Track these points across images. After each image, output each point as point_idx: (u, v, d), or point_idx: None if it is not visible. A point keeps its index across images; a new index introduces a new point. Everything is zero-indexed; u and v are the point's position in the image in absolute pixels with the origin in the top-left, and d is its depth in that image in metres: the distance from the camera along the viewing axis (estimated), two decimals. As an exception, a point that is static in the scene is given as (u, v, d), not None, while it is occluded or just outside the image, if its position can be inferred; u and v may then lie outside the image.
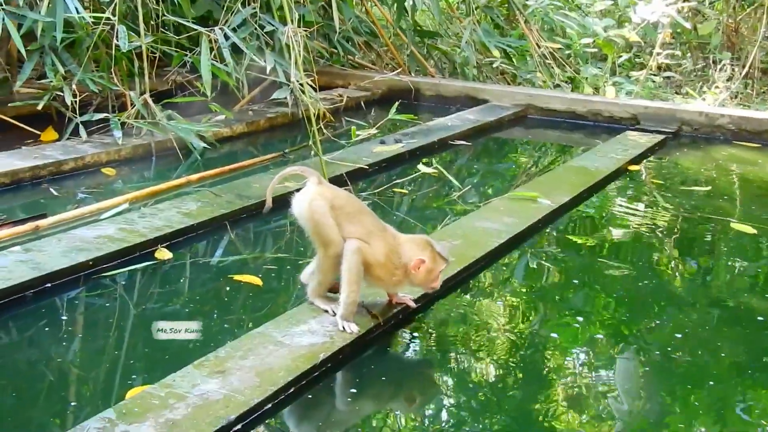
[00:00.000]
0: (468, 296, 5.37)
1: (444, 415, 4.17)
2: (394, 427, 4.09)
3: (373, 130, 8.37)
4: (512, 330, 5.00)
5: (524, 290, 5.65)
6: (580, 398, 4.34)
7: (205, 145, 8.16)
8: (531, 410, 4.24)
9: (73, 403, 4.07)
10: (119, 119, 8.07)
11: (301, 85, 8.10)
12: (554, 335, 4.94)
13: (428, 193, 7.56)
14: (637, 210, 7.42)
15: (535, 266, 5.95)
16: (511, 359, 4.71)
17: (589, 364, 4.69)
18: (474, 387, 4.39)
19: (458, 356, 4.69)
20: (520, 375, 4.56)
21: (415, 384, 4.48)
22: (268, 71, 9.01)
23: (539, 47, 12.69)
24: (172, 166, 7.92)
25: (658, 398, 4.39)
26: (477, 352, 4.72)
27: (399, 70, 11.75)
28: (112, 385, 4.19)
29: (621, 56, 13.43)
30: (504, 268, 5.92)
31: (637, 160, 8.82)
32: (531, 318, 5.27)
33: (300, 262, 5.54)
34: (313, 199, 4.52)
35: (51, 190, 7.01)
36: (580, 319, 5.18)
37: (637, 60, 13.97)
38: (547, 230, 6.65)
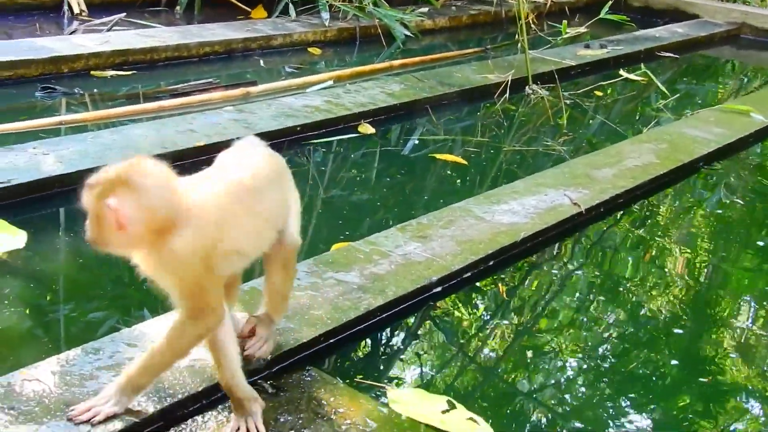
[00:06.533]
0: (677, 198, 5.24)
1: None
2: (596, 308, 4.04)
3: (582, 29, 8.14)
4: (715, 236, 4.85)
5: (727, 202, 5.41)
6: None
7: (408, 33, 8.19)
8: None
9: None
10: (327, 1, 8.20)
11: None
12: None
13: (632, 99, 7.34)
14: None
15: (740, 179, 5.68)
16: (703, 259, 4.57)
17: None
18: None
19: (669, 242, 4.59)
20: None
21: (619, 269, 4.41)
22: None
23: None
24: (374, 52, 8.01)
25: None
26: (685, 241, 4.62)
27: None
28: (318, 237, 4.32)
29: None
30: (711, 177, 5.67)
31: None
32: (732, 229, 5.06)
33: (504, 148, 5.52)
34: None
35: (260, 62, 7.23)
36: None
37: None
38: (759, 145, 6.32)
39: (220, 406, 2.72)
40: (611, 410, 3.21)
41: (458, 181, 5.19)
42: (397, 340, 3.55)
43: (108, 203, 2.23)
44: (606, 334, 3.76)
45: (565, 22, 7.75)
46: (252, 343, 2.90)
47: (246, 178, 2.57)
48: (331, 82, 6.60)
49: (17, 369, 2.70)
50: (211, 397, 2.75)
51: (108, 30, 7.29)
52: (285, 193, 2.79)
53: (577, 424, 3.10)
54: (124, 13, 7.69)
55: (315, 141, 5.40)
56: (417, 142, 5.80)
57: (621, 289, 4.21)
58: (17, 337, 3.26)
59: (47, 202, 4.21)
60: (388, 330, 3.55)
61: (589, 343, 3.70)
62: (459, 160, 5.36)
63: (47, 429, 2.44)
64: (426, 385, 3.24)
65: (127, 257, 2.40)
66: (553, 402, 3.26)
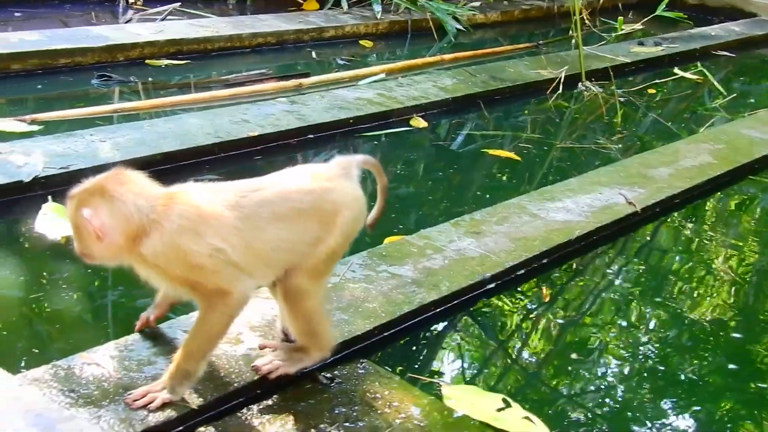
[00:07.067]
0: (734, 200, 5.17)
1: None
2: (652, 309, 3.97)
3: (638, 26, 8.05)
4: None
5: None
6: None
7: (459, 27, 8.17)
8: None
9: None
10: (380, -6, 8.21)
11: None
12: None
13: (687, 98, 7.23)
14: None
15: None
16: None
17: None
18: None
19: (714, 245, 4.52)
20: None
21: (670, 271, 4.34)
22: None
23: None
24: (425, 45, 7.99)
25: None
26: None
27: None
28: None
29: None
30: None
31: None
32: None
33: (557, 144, 5.47)
34: None
35: (312, 53, 7.24)
36: None
37: None
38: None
39: (275, 396, 2.72)
40: (667, 413, 3.16)
41: (510, 177, 5.15)
42: (451, 335, 3.52)
43: (83, 213, 2.27)
44: (662, 336, 3.70)
45: (620, 18, 7.67)
46: (266, 355, 2.79)
47: (255, 196, 2.48)
48: (383, 75, 6.59)
49: (76, 352, 2.73)
50: (266, 387, 2.75)
51: (162, 19, 7.36)
52: (320, 232, 2.58)
53: (635, 428, 3.06)
54: (179, 3, 7.75)
55: (367, 134, 5.40)
56: (469, 136, 5.77)
57: (678, 290, 4.14)
58: (77, 320, 3.30)
59: (104, 189, 4.24)
60: (442, 325, 3.53)
61: (645, 345, 3.65)
62: (512, 155, 5.32)
63: (106, 413, 2.45)
64: (479, 381, 3.22)
65: (117, 267, 2.46)
66: (610, 403, 3.22)
